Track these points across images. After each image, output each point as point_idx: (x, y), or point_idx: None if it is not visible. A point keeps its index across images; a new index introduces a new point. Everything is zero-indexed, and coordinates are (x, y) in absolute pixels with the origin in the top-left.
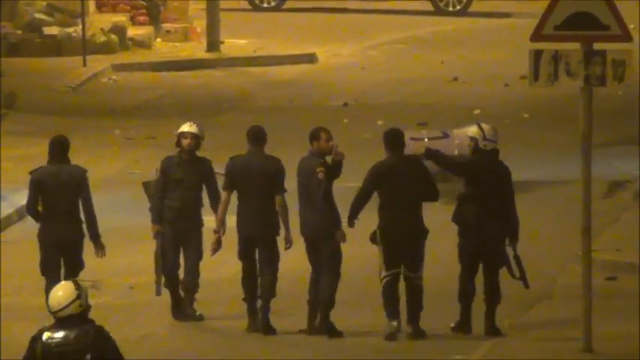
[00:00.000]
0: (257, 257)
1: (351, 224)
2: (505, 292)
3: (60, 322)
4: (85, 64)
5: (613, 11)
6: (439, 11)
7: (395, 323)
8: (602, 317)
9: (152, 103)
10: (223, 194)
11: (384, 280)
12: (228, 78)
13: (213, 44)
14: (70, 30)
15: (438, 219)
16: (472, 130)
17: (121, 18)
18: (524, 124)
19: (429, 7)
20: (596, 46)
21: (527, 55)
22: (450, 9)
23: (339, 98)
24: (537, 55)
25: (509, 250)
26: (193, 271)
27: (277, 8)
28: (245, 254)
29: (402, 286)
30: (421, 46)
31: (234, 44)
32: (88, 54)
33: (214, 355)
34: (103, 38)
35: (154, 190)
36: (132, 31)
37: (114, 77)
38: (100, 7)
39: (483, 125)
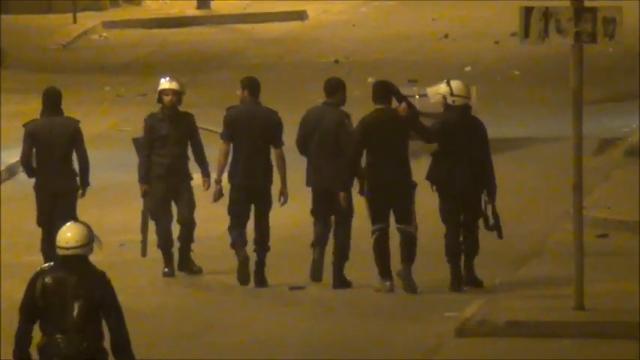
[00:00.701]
0: (252, 209)
1: (349, 187)
2: (496, 250)
3: (63, 262)
4: (75, 21)
5: None
6: None
7: (388, 283)
8: (594, 275)
9: (142, 60)
10: (223, 145)
11: (374, 236)
12: (218, 35)
13: (203, 1)
14: None
15: (419, 177)
16: (441, 87)
17: None
18: (514, 81)
19: None
20: (587, 3)
21: (517, 13)
22: None
23: (329, 55)
24: (528, 12)
25: (488, 208)
26: (189, 223)
27: None
28: (238, 206)
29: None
30: (412, 3)
31: (224, 1)
32: (79, 11)
33: (204, 310)
34: None
35: (141, 148)
36: None
37: (104, 34)
38: None
39: (452, 81)
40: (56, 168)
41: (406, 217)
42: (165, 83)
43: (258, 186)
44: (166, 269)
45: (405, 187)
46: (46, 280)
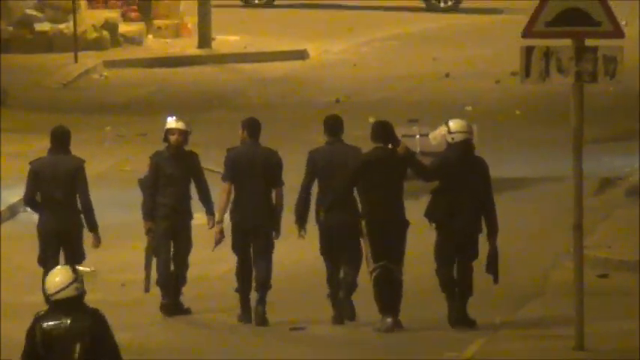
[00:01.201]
0: (252, 249)
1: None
2: (497, 289)
3: (56, 306)
4: (76, 61)
5: (604, 7)
6: (430, 8)
7: (389, 319)
8: (594, 315)
9: (143, 99)
10: (225, 185)
11: (375, 274)
12: (220, 74)
13: (204, 40)
14: (62, 26)
15: (419, 216)
16: (441, 128)
17: (112, 14)
18: (516, 120)
19: (421, 3)
20: (588, 42)
21: (518, 52)
22: (442, 5)
23: (330, 95)
24: (529, 51)
25: (487, 245)
26: (183, 264)
27: (269, 4)
28: (241, 245)
29: None
30: (413, 42)
31: (225, 40)
32: (80, 50)
33: (206, 349)
34: (94, 34)
35: (145, 186)
36: (123, 28)
37: (105, 74)
38: (92, 3)
39: (450, 120)
40: (60, 206)
41: (398, 258)
42: (172, 122)
43: (259, 226)
44: (164, 300)
45: (400, 225)
46: (44, 326)
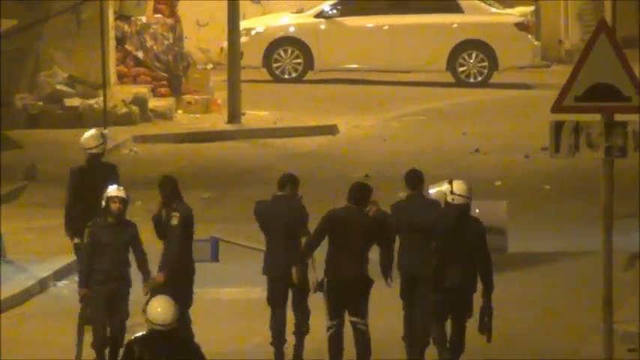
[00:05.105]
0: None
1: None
2: None
3: (153, 334)
4: None
5: (634, 82)
6: (460, 83)
7: None
8: None
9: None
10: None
11: (329, 333)
12: (250, 149)
13: (234, 116)
14: (92, 101)
15: None
16: (443, 185)
17: (142, 89)
18: (545, 195)
19: (450, 78)
20: (617, 117)
21: (548, 127)
22: (471, 80)
23: (360, 170)
24: (558, 126)
25: (482, 302)
26: (120, 331)
27: (298, 80)
28: (276, 297)
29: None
30: (442, 117)
31: (255, 116)
32: (109, 125)
33: None
34: (124, 110)
35: (82, 253)
36: (153, 103)
37: (135, 149)
38: (121, 78)
39: (454, 181)
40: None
41: (359, 310)
42: (113, 190)
43: (291, 277)
44: None
45: (362, 283)
46: (141, 349)
